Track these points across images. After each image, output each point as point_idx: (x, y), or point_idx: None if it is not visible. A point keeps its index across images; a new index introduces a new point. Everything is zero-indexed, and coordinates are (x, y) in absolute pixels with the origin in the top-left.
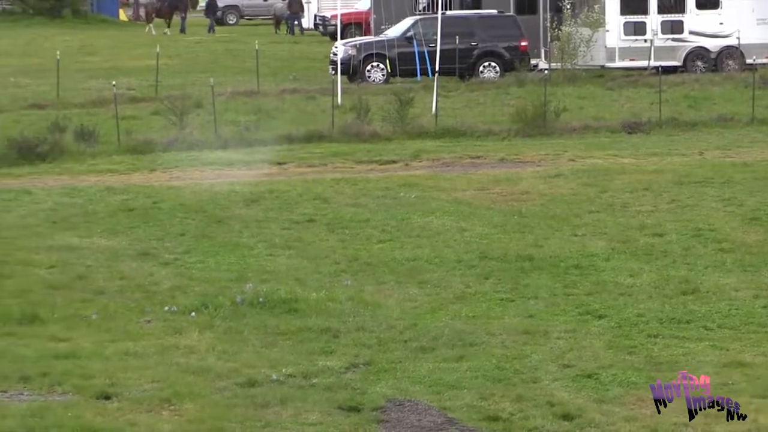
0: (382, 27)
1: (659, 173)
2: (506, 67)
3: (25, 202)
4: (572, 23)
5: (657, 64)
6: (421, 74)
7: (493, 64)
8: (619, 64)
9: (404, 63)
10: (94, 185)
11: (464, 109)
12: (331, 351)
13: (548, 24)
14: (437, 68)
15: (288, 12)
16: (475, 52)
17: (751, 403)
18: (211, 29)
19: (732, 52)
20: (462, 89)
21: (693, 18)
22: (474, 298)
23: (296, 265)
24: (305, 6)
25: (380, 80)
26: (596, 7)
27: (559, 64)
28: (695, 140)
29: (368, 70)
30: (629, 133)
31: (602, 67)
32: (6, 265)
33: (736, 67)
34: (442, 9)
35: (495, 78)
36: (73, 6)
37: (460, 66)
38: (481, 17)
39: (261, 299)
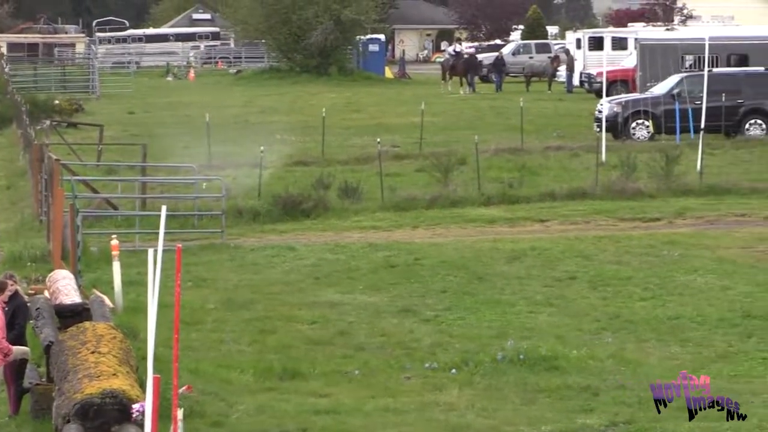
0: (648, 84)
1: None
2: None
3: (289, 258)
4: None
5: None
6: (683, 132)
7: (759, 121)
8: None
9: (669, 120)
10: (357, 242)
11: (729, 167)
12: (591, 409)
13: None
14: (702, 126)
15: (550, 69)
16: (741, 110)
17: None
18: (498, 87)
19: None
20: (727, 147)
21: None
22: (736, 357)
23: (557, 322)
24: (573, 64)
25: (645, 137)
26: None
27: None
28: None
29: (633, 128)
30: None
31: None
32: (269, 321)
33: None
34: (708, 66)
35: (761, 136)
36: (340, 63)
37: (725, 123)
38: (749, 75)
39: (521, 356)
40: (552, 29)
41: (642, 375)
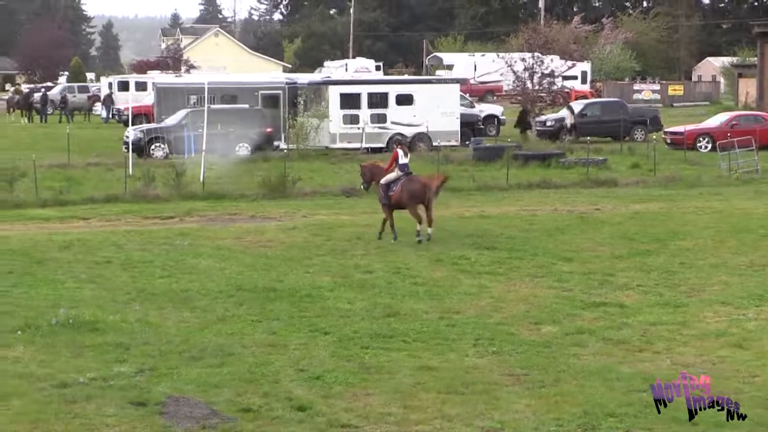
0: (163, 117)
1: (369, 227)
2: (256, 147)
3: None
4: (305, 115)
5: (367, 145)
6: (189, 153)
7: (246, 144)
8: (339, 145)
9: (179, 144)
10: None
11: (224, 178)
12: (124, 360)
13: (287, 115)
14: (203, 148)
15: (87, 104)
16: (232, 136)
17: (438, 397)
18: (42, 118)
19: (422, 137)
20: (221, 163)
21: (394, 111)
22: (232, 319)
23: (98, 295)
24: (109, 100)
25: (161, 156)
26: (323, 103)
27: (295, 145)
28: None
29: (153, 149)
30: (347, 196)
31: (327, 147)
32: None
33: (426, 148)
34: (208, 104)
35: (247, 155)
36: None
37: (221, 146)
38: (237, 110)
39: (71, 321)
40: (90, 74)
41: (162, 334)
